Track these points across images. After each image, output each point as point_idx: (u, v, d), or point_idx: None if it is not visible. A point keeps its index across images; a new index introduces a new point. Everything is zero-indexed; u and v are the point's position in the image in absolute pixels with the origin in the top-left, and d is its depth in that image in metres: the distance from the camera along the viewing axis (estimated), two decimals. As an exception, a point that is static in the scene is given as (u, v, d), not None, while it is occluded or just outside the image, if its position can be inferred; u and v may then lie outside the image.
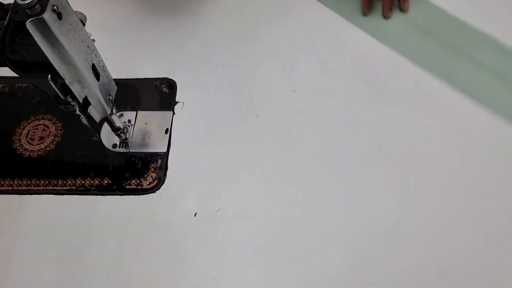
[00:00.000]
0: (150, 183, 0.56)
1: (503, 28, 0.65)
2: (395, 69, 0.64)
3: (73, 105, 0.47)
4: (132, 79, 0.64)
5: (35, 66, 0.42)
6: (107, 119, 0.54)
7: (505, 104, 0.59)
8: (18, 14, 0.37)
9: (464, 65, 0.63)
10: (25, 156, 0.58)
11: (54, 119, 0.61)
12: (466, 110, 0.60)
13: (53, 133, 0.60)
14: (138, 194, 0.56)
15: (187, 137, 0.60)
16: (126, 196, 0.56)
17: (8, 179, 0.57)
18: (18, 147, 0.59)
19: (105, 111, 0.50)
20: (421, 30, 0.66)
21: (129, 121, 0.60)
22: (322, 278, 0.50)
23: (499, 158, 0.56)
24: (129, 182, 0.56)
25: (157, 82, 0.64)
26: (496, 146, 0.57)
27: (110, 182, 0.56)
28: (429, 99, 0.61)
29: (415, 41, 0.65)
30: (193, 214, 0.54)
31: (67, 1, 0.40)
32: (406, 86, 0.62)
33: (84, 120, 0.49)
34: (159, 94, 0.63)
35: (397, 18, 0.67)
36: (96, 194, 0.56)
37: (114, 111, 0.52)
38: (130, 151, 0.58)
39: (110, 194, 0.56)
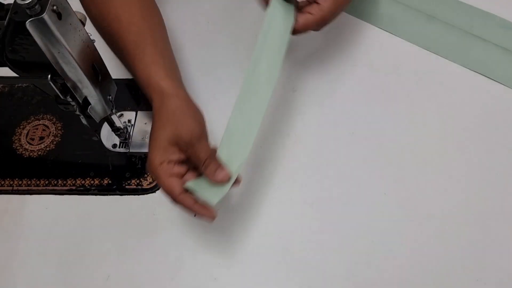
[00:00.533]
0: (150, 183, 0.56)
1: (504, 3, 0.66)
2: (396, 64, 0.64)
3: (73, 105, 0.47)
4: (132, 79, 0.64)
5: (35, 66, 0.42)
6: (107, 119, 0.54)
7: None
8: (18, 14, 0.37)
9: (473, 45, 0.64)
10: (25, 156, 0.59)
11: (54, 119, 0.61)
12: (465, 110, 0.60)
13: (53, 133, 0.60)
14: (138, 194, 0.56)
15: (187, 137, 0.59)
16: (126, 196, 0.56)
17: (8, 179, 0.57)
18: (18, 147, 0.59)
19: (105, 111, 0.50)
20: (424, 16, 0.66)
21: (129, 121, 0.60)
22: (322, 278, 0.50)
23: (500, 158, 0.56)
24: (129, 182, 0.56)
25: (157, 82, 0.64)
26: (497, 146, 0.57)
27: (110, 182, 0.56)
28: (428, 99, 0.61)
29: (420, 27, 0.66)
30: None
31: (67, 1, 0.40)
32: (406, 85, 0.62)
33: (84, 120, 0.49)
34: (159, 94, 0.63)
35: (397, 6, 0.67)
36: (96, 194, 0.56)
37: (114, 111, 0.52)
38: (130, 151, 0.58)
39: (110, 194, 0.56)
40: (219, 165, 0.45)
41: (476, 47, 0.64)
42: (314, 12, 0.50)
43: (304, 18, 0.51)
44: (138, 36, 0.50)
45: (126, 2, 0.52)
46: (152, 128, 0.46)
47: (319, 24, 0.52)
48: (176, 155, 0.45)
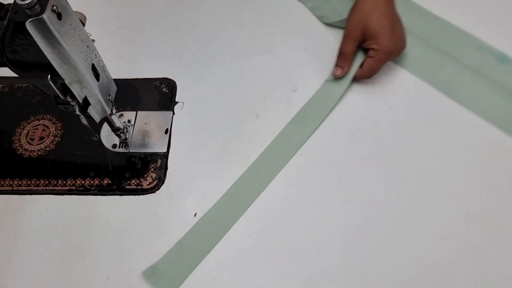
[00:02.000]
0: (150, 183, 0.56)
1: (481, 24, 0.66)
2: (393, 69, 0.64)
3: (73, 105, 0.47)
4: (132, 79, 0.64)
5: (35, 66, 0.42)
6: (107, 119, 0.54)
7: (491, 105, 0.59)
8: (18, 14, 0.37)
9: (447, 66, 0.62)
10: (25, 156, 0.59)
11: (54, 119, 0.61)
12: (464, 111, 0.60)
13: (53, 133, 0.60)
14: (138, 194, 0.56)
15: (187, 137, 0.60)
16: (126, 196, 0.56)
17: (8, 179, 0.57)
18: (18, 147, 0.59)
19: (105, 111, 0.50)
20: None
21: (129, 121, 0.60)
22: (322, 278, 0.50)
23: (499, 158, 0.56)
24: (129, 182, 0.56)
25: (157, 82, 0.64)
26: (495, 146, 0.57)
27: (110, 182, 0.56)
28: (427, 99, 0.61)
29: None
30: (193, 214, 0.54)
31: (67, 1, 0.40)
32: (405, 85, 0.62)
33: (84, 120, 0.49)
34: (159, 94, 0.63)
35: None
36: (96, 194, 0.56)
37: (114, 111, 0.52)
38: (130, 151, 0.58)
39: (110, 194, 0.56)
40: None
41: (447, 67, 0.62)
42: (373, 55, 0.59)
43: (367, 63, 0.60)
44: None
45: None
46: None
47: (383, 60, 0.59)
48: None
